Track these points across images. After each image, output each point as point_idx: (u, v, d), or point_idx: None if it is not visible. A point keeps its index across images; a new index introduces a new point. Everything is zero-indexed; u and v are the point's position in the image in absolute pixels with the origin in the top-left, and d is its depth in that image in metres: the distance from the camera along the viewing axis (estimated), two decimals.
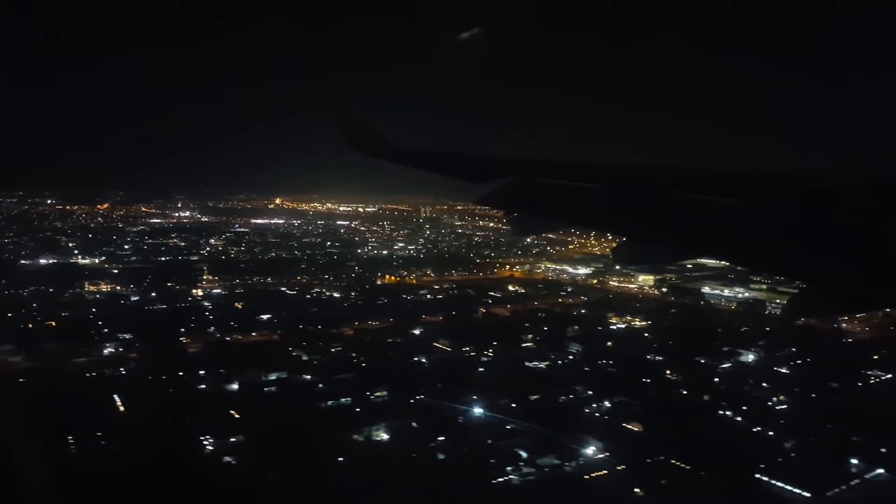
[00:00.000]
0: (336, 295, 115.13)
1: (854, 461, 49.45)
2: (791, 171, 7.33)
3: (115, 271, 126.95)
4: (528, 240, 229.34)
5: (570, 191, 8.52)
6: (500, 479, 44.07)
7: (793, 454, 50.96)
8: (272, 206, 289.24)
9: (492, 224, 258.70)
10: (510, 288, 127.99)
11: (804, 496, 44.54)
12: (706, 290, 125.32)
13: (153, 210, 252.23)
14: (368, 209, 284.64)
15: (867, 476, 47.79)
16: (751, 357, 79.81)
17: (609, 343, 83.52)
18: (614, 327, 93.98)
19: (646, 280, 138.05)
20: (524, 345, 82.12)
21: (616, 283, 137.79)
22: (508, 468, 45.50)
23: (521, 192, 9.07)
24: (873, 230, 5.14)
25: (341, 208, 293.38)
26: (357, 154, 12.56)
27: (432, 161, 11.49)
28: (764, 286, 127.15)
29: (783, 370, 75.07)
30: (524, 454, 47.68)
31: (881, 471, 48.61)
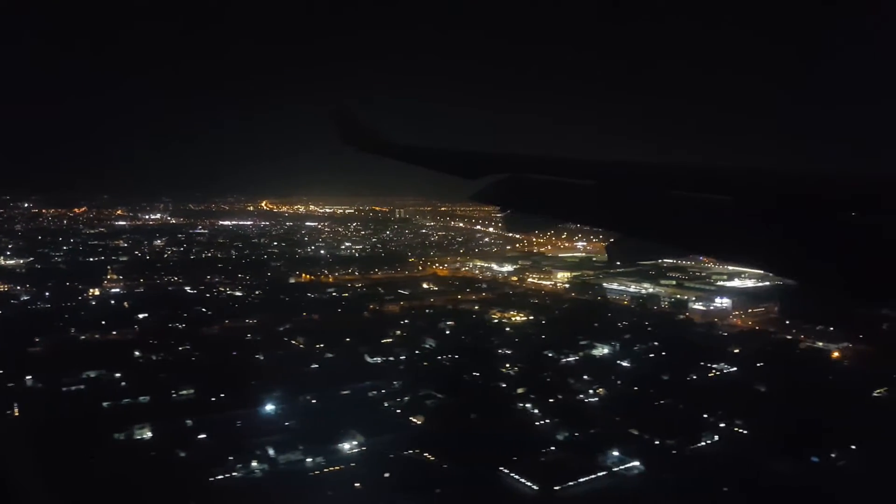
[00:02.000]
0: (237, 294, 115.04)
1: (615, 454, 48.98)
2: (784, 170, 7.50)
3: (25, 272, 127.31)
4: (486, 238, 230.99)
5: (563, 187, 8.51)
6: (220, 477, 43.78)
7: (552, 447, 50.39)
8: (253, 208, 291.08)
9: (461, 224, 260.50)
10: (424, 286, 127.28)
11: (532, 489, 44.11)
12: (614, 286, 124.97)
13: (126, 213, 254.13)
14: (348, 211, 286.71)
15: (616, 469, 47.30)
16: (605, 350, 79.16)
17: (467, 338, 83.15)
18: (491, 323, 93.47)
19: (563, 276, 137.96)
20: (384, 341, 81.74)
21: (534, 280, 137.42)
22: (239, 465, 45.23)
23: (514, 188, 9.02)
24: (867, 228, 5.17)
25: (321, 210, 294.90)
26: (349, 151, 12.76)
27: (425, 157, 11.39)
28: (673, 282, 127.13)
29: (625, 363, 74.58)
30: (271, 451, 47.35)
31: (636, 463, 48.14)
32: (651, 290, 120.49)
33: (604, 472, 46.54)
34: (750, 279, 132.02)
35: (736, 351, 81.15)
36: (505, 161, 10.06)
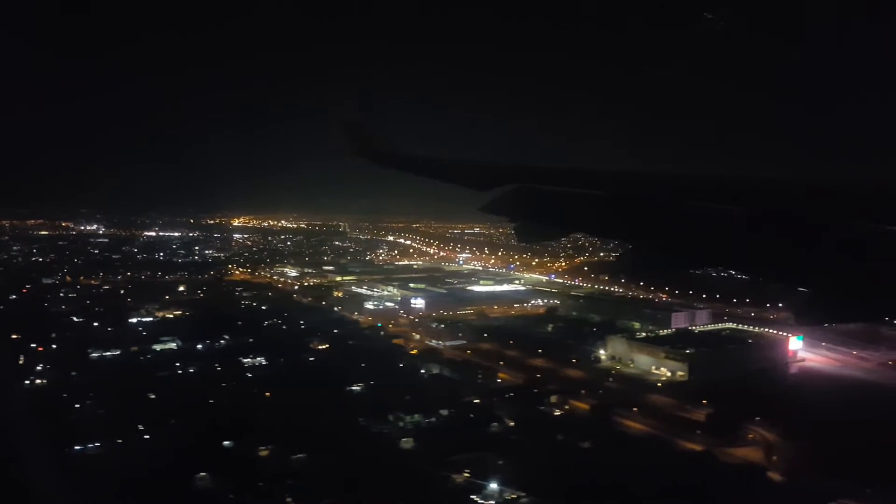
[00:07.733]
0: None
1: None
2: (797, 179, 7.51)
3: None
4: (382, 248, 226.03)
5: (574, 198, 8.51)
6: None
7: None
8: (216, 222, 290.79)
9: (391, 237, 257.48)
10: (179, 288, 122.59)
11: None
12: (363, 289, 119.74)
13: (69, 224, 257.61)
14: (296, 225, 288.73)
15: None
16: (171, 346, 73.70)
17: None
18: (114, 320, 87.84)
19: (333, 280, 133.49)
20: None
21: (303, 283, 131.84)
22: None
23: (524, 199, 9.04)
24: (873, 238, 5.23)
25: (278, 225, 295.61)
26: (356, 165, 13.00)
27: (434, 168, 11.34)
28: (423, 285, 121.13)
29: (147, 356, 69.94)
30: None
31: None
32: (382, 293, 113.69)
33: None
34: (514, 285, 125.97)
35: (319, 346, 74.81)
36: (515, 172, 10.03)
